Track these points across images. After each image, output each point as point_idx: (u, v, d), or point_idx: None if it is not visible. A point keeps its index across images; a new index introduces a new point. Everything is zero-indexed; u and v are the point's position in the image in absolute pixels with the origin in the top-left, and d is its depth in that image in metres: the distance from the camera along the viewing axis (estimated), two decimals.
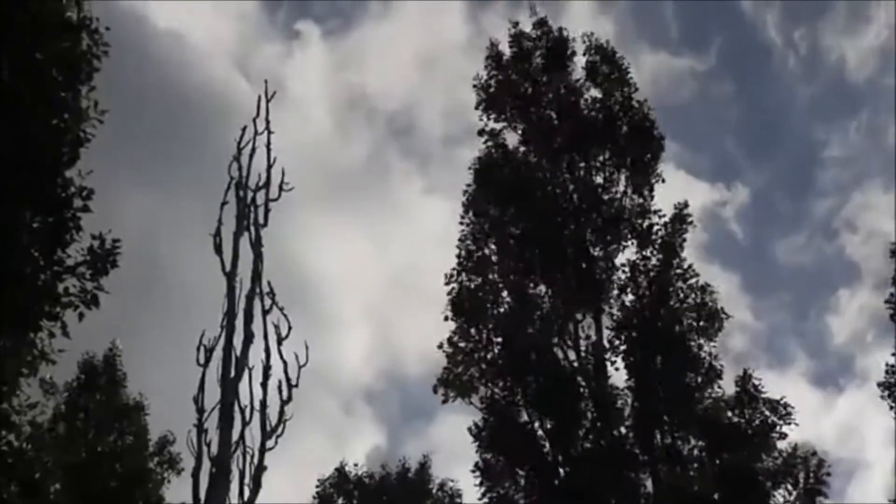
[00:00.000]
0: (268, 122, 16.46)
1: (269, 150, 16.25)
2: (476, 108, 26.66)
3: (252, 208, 15.58)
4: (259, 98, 16.75)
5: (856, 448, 47.06)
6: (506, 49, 27.26)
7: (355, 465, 31.08)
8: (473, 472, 22.66)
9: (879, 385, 22.49)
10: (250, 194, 15.71)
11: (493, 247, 25.16)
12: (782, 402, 23.03)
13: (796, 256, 56.99)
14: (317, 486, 30.50)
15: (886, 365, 22.50)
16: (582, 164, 25.81)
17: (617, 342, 23.80)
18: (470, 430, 22.91)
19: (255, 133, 16.27)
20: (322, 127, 52.26)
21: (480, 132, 26.31)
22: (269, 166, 16.04)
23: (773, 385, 23.37)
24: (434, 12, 59.40)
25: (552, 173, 25.77)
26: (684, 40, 60.00)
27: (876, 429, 53.17)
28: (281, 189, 15.92)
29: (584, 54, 26.96)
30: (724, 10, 56.01)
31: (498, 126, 26.48)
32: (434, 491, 30.86)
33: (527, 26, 27.53)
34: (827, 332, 55.84)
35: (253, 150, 16.12)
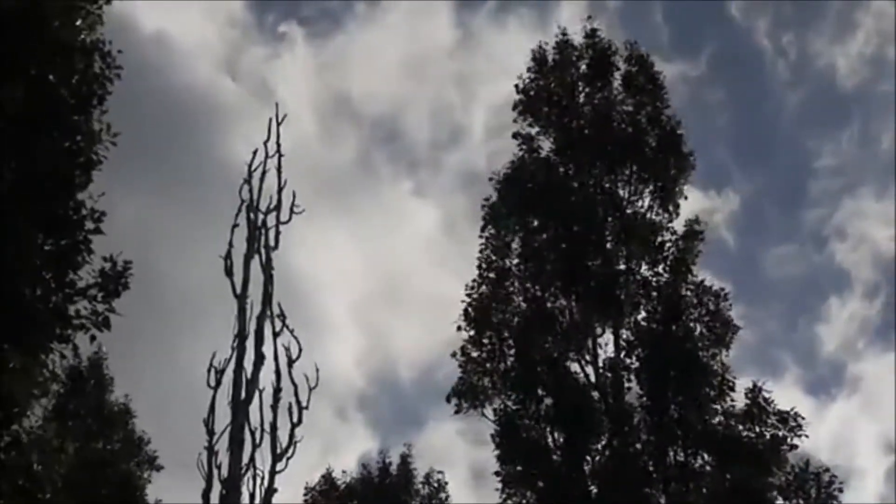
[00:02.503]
0: (278, 145, 16.50)
1: (279, 172, 16.29)
2: (513, 109, 26.66)
3: (263, 231, 15.62)
4: (270, 121, 16.81)
5: (848, 456, 46.79)
6: (550, 54, 27.10)
7: (343, 471, 30.67)
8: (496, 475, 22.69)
9: None
10: (261, 217, 15.74)
11: (515, 260, 25.15)
12: (792, 412, 22.85)
13: (787, 265, 56.63)
14: (304, 494, 30.28)
15: None
16: (608, 177, 25.77)
17: (629, 360, 23.76)
18: (492, 436, 23.02)
19: (266, 156, 16.31)
20: (308, 130, 52.08)
21: (515, 135, 26.34)
22: (280, 189, 16.08)
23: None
24: (421, 15, 59.39)
25: (580, 184, 25.77)
26: (674, 45, 59.68)
27: (868, 436, 53.12)
28: (292, 212, 15.96)
29: (625, 63, 26.88)
30: (715, 15, 55.70)
31: (532, 131, 26.47)
32: (419, 482, 29.94)
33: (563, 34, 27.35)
34: (818, 341, 55.57)
35: (264, 172, 16.17)
